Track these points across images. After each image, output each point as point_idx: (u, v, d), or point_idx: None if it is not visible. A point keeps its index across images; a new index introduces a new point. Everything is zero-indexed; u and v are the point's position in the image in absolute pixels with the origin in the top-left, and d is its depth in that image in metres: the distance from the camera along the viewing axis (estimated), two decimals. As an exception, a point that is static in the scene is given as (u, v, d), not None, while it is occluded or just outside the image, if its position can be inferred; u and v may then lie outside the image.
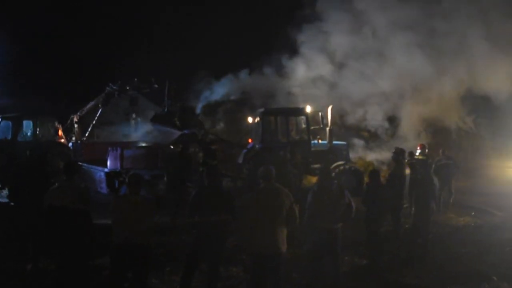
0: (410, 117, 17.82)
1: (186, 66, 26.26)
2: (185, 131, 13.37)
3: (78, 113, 18.40)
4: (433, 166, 12.42)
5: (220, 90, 18.40)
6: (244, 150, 14.53)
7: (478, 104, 18.29)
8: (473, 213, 11.59)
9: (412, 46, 16.98)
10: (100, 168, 12.09)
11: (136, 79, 17.62)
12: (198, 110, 17.22)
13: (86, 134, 18.20)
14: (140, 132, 20.83)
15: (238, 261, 7.15)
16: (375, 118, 18.19)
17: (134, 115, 24.00)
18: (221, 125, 20.65)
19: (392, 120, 18.76)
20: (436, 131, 18.62)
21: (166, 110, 15.28)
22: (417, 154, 12.72)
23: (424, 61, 16.78)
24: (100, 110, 18.10)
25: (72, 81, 29.44)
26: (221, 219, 5.37)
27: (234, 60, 22.97)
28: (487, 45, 15.53)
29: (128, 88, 17.72)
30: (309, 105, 14.46)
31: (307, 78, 18.69)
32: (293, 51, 19.03)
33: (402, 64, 17.13)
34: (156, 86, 17.07)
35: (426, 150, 12.96)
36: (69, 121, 18.24)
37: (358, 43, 17.98)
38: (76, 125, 18.31)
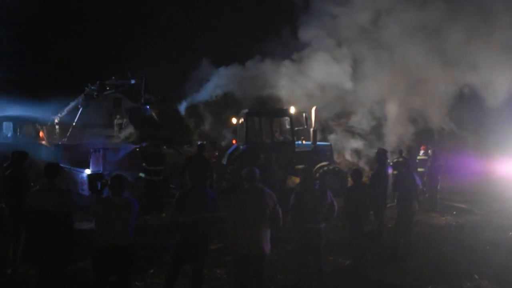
0: (396, 117, 18.03)
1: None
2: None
3: (59, 114, 18.18)
4: (428, 164, 12.75)
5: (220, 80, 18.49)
6: (229, 151, 14.51)
7: (461, 104, 18.60)
8: (454, 213, 11.76)
9: (407, 47, 17.22)
10: (82, 169, 11.91)
11: (113, 77, 17.47)
12: (184, 107, 17.22)
13: (67, 135, 17.99)
14: (123, 133, 20.66)
15: (222, 262, 7.14)
16: (361, 118, 18.38)
17: (118, 116, 23.80)
18: (206, 126, 20.57)
19: (377, 121, 18.97)
20: (419, 131, 18.86)
21: (142, 101, 15.29)
22: (421, 154, 13.27)
23: (417, 61, 17.02)
24: (80, 111, 17.90)
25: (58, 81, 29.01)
26: (206, 217, 5.35)
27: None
28: (481, 48, 15.82)
29: (107, 88, 17.56)
30: (293, 106, 14.53)
31: (295, 78, 18.84)
32: (283, 50, 19.20)
33: (393, 64, 17.36)
34: (133, 81, 16.99)
35: (429, 151, 13.49)
36: (50, 123, 18.02)
37: (351, 42, 18.18)
38: (57, 126, 18.10)
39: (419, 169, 13.58)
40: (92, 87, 17.36)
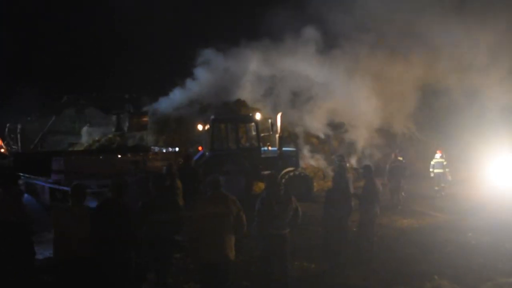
0: (360, 123, 18.37)
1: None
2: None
3: (21, 123, 17.72)
4: (387, 168, 13.12)
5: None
6: (195, 158, 14.42)
7: (422, 109, 19.16)
8: (416, 215, 12.02)
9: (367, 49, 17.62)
10: (43, 179, 11.58)
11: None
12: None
13: (35, 142, 17.68)
14: (86, 140, 20.31)
15: (187, 270, 7.08)
16: (324, 124, 18.65)
17: (88, 125, 23.41)
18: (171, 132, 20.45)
19: (340, 126, 19.27)
20: (382, 136, 19.27)
21: None
22: (438, 158, 14.08)
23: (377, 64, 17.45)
24: (53, 119, 17.61)
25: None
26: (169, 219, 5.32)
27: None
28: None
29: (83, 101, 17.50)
30: (259, 112, 14.64)
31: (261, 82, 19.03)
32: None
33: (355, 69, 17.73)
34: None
35: (444, 155, 14.21)
36: (6, 131, 17.57)
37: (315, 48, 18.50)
38: (19, 135, 17.60)
39: (436, 171, 14.61)
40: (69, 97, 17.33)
